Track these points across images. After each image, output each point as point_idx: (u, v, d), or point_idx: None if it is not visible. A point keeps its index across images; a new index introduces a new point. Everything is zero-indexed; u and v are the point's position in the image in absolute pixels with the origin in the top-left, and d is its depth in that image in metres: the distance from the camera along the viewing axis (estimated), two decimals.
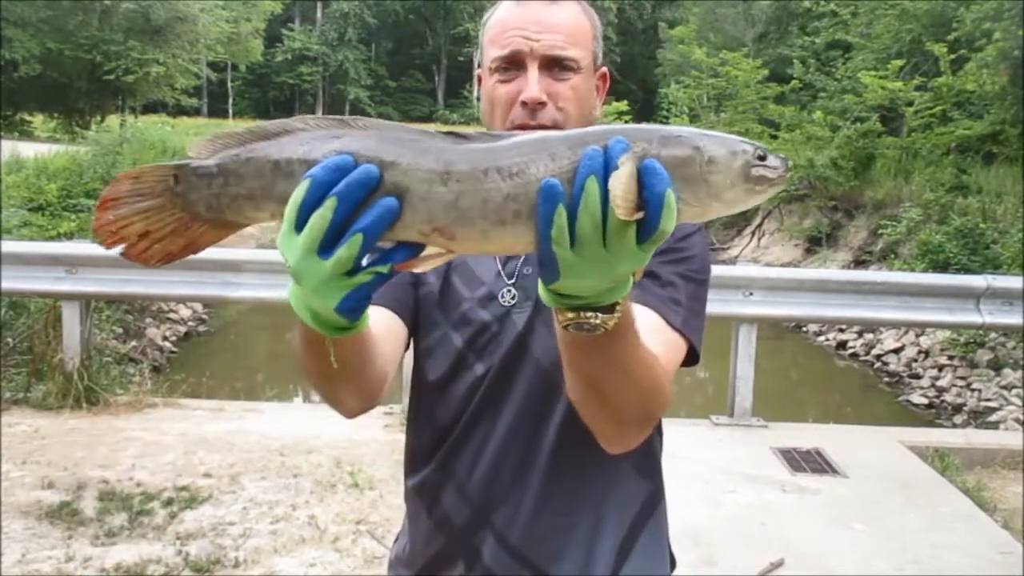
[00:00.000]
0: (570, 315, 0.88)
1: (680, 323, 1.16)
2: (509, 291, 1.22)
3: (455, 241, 0.82)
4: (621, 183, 0.76)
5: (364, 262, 0.81)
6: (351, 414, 1.17)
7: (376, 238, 0.79)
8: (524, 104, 1.15)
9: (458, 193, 0.80)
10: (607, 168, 0.77)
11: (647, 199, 0.76)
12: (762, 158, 0.83)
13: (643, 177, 0.76)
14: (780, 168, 0.84)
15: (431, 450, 1.26)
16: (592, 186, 0.76)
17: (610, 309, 0.88)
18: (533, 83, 1.15)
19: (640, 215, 0.76)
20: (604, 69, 1.25)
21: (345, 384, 1.08)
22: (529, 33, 1.15)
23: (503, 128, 1.18)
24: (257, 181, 0.86)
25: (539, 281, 0.87)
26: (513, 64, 1.17)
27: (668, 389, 1.06)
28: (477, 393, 1.21)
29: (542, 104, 1.15)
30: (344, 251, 0.79)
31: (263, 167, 0.85)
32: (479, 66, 1.26)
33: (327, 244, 0.79)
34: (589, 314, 0.87)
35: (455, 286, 1.25)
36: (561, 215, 0.77)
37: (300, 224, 0.79)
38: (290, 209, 0.80)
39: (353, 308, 0.84)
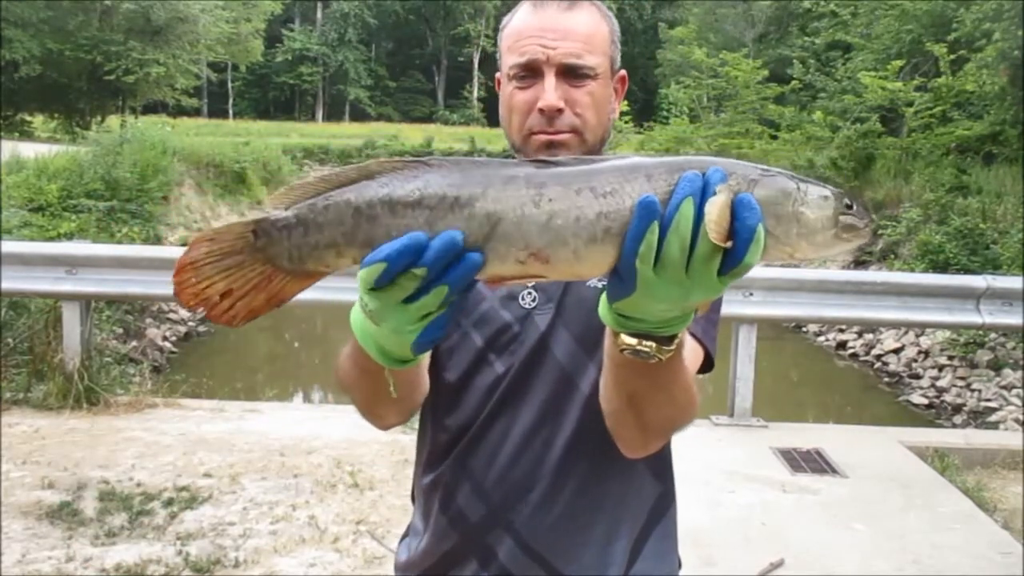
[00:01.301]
0: (629, 341, 0.91)
1: (700, 333, 1.18)
2: (530, 293, 1.23)
3: (549, 265, 0.82)
4: (717, 208, 0.78)
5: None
6: (387, 428, 1.22)
7: (459, 290, 0.81)
8: (542, 111, 1.16)
9: (551, 213, 0.81)
10: (704, 193, 0.78)
11: (738, 230, 0.78)
12: (849, 207, 0.85)
13: (737, 209, 0.78)
14: (865, 219, 0.86)
15: (447, 448, 1.26)
16: (687, 208, 0.78)
17: (668, 341, 0.91)
18: (550, 91, 1.15)
19: (729, 244, 0.78)
20: (622, 72, 1.25)
21: (393, 404, 1.13)
22: (546, 41, 1.16)
23: (520, 134, 1.19)
24: (339, 228, 0.85)
25: (602, 301, 0.89)
26: (530, 71, 1.17)
27: (697, 399, 1.09)
28: (496, 392, 1.22)
29: (559, 111, 1.16)
30: (429, 299, 0.82)
31: (344, 214, 0.85)
32: (498, 70, 1.27)
33: (413, 297, 0.82)
34: (649, 343, 0.90)
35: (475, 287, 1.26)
36: (653, 232, 0.78)
37: (383, 282, 0.81)
38: (369, 273, 0.81)
39: (429, 342, 0.87)
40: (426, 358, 1.19)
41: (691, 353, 1.14)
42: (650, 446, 1.13)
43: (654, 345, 0.91)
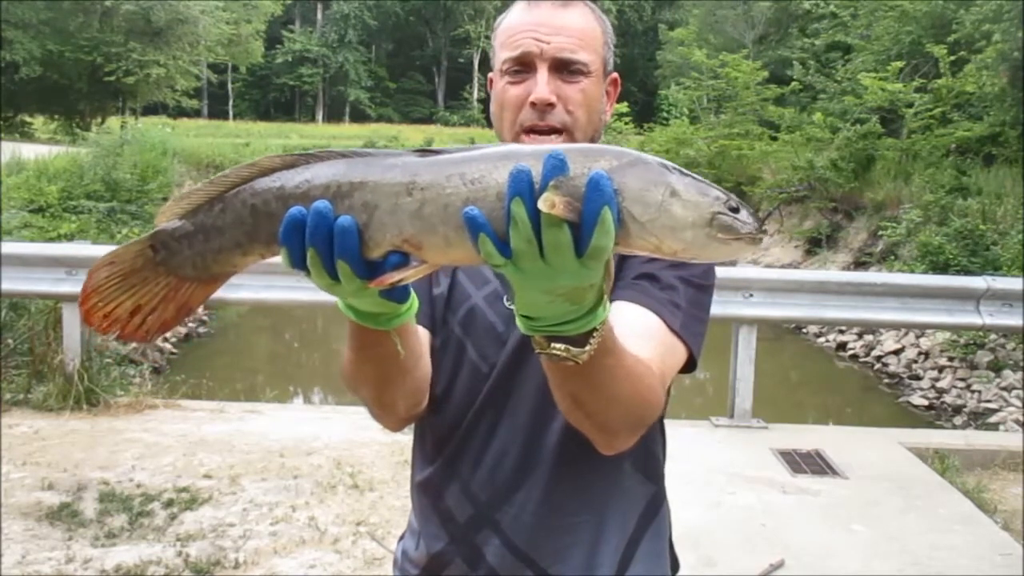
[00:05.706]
0: (541, 343, 0.89)
1: (679, 326, 1.15)
2: None
3: (423, 251, 0.82)
4: (547, 200, 0.76)
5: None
6: (399, 423, 1.20)
7: (354, 256, 0.82)
8: (533, 105, 1.16)
9: (422, 201, 0.81)
10: (533, 190, 0.76)
11: (584, 212, 0.76)
12: (735, 210, 0.82)
13: (586, 189, 0.76)
14: (750, 224, 0.82)
15: (436, 448, 1.26)
16: (518, 208, 0.76)
17: (582, 342, 0.88)
18: (542, 84, 1.15)
19: (567, 215, 0.75)
20: (615, 74, 1.25)
21: (401, 383, 1.12)
22: (540, 35, 1.16)
23: (512, 131, 1.19)
24: (240, 228, 0.87)
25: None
26: (524, 66, 1.17)
27: (660, 397, 1.07)
28: (482, 392, 1.22)
29: (551, 105, 1.15)
30: (343, 277, 0.83)
31: (241, 214, 0.87)
32: (491, 70, 1.26)
33: (332, 273, 0.83)
34: (558, 346, 0.88)
35: (462, 284, 1.25)
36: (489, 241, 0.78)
37: (302, 268, 0.84)
38: (286, 265, 0.85)
39: (397, 293, 0.90)
40: (421, 331, 1.19)
41: (661, 347, 1.11)
42: (617, 444, 1.08)
43: (564, 347, 0.88)
